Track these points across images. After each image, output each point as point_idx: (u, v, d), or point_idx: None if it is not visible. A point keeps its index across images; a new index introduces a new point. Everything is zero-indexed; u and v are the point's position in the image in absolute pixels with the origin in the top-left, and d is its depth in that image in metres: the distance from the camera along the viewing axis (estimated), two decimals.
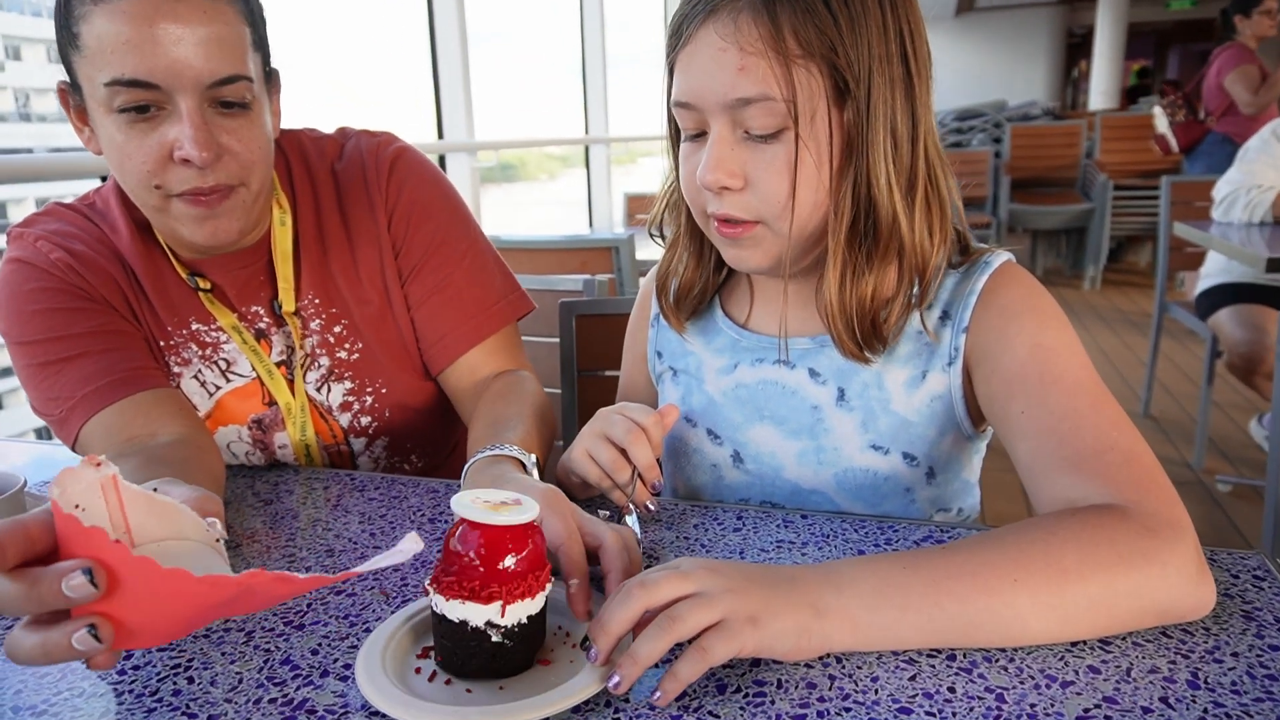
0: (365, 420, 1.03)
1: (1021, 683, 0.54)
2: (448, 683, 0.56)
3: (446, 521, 0.82)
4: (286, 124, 1.00)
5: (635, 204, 3.89)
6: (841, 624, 0.55)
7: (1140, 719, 0.50)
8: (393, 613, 0.63)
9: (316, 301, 0.99)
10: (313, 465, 1.03)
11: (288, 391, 0.99)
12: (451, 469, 1.14)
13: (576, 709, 0.53)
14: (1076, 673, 0.55)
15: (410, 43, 3.52)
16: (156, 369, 0.94)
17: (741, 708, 0.53)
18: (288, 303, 0.97)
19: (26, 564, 0.47)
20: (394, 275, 1.01)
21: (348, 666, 0.59)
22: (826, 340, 0.81)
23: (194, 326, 0.97)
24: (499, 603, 0.53)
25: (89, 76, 0.80)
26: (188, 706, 0.55)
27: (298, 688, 0.56)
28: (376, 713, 0.53)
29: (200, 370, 0.98)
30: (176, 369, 0.97)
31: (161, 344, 0.97)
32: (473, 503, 0.55)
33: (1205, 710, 0.51)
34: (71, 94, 0.85)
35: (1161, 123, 4.62)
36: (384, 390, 1.02)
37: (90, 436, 0.88)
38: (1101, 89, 9.74)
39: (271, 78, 0.93)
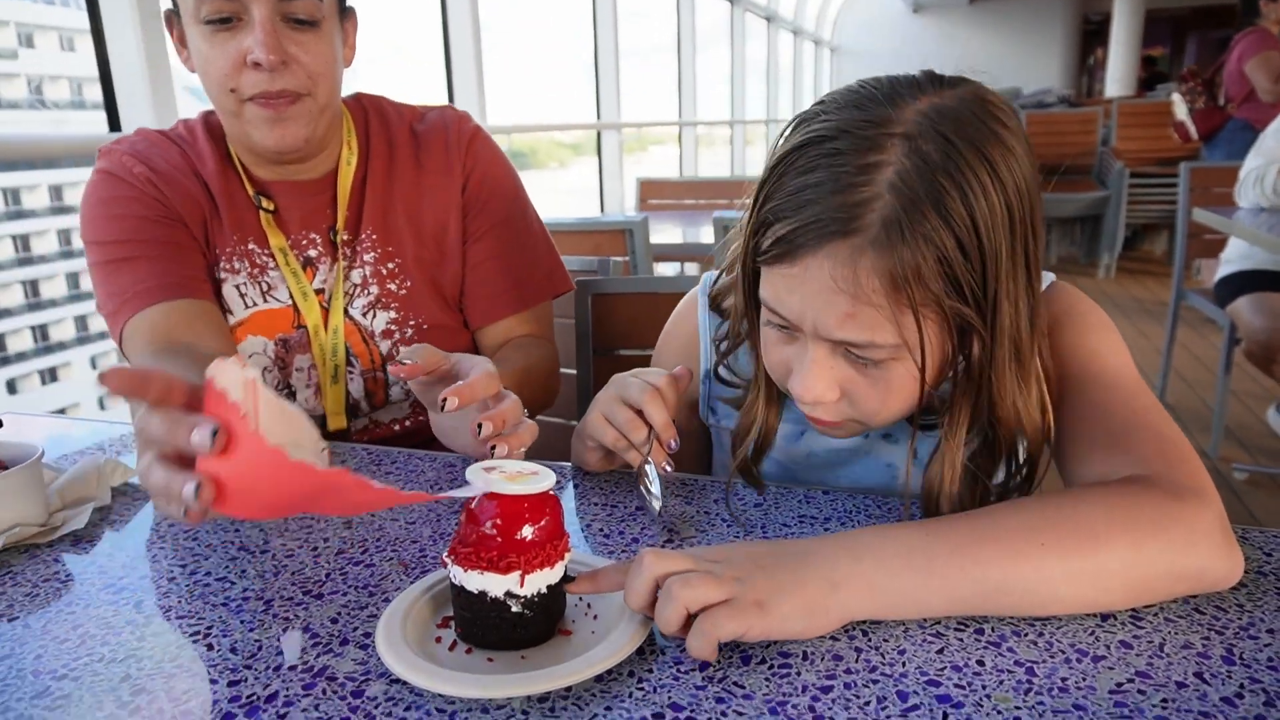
0: (403, 350, 1.07)
1: (1052, 656, 0.53)
2: (468, 652, 0.55)
3: None
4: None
5: (647, 189, 3.87)
6: (859, 592, 0.55)
7: (1175, 693, 0.49)
8: (411, 583, 0.62)
9: (375, 236, 1.06)
10: (337, 392, 1.06)
11: (319, 314, 1.05)
12: None
13: (599, 678, 0.52)
14: (1108, 647, 0.54)
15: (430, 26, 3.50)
16: (208, 284, 1.02)
17: (767, 679, 0.52)
18: (343, 232, 1.05)
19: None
20: (458, 233, 1.10)
21: (368, 635, 0.58)
22: None
23: (250, 245, 1.04)
24: (518, 573, 0.52)
25: None
26: (207, 673, 0.55)
27: (318, 655, 0.56)
28: (397, 680, 0.52)
29: (245, 283, 1.04)
30: (223, 275, 1.03)
31: (219, 252, 1.03)
32: (488, 473, 0.54)
33: (1241, 685, 0.50)
34: (175, 19, 0.96)
35: (1181, 109, 4.55)
36: (425, 327, 1.09)
37: (134, 331, 0.95)
38: (1118, 76, 9.64)
39: (347, 13, 1.02)
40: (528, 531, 0.53)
